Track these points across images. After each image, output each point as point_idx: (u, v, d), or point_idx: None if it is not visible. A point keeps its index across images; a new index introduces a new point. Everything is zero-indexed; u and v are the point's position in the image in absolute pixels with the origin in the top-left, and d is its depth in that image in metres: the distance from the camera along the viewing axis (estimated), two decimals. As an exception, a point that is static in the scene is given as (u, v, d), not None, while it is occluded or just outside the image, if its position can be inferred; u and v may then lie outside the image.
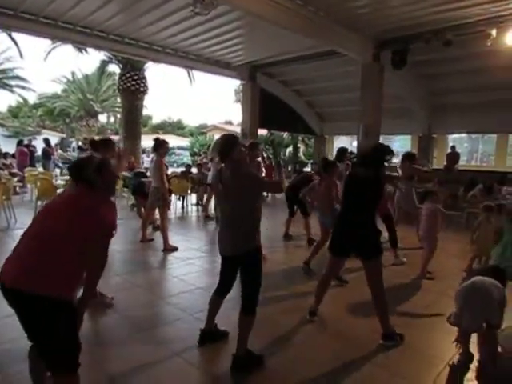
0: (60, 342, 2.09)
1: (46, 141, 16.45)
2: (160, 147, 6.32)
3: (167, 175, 6.86)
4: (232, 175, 2.99)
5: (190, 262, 5.84)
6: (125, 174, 12.33)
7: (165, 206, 6.47)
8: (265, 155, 18.58)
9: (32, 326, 2.12)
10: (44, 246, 2.13)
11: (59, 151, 22.39)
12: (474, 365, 3.06)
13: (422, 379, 2.97)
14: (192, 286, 4.79)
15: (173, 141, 23.34)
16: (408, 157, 6.42)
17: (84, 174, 2.38)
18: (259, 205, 3.07)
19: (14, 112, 38.68)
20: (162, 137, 7.02)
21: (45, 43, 19.71)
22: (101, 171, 2.40)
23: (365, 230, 3.52)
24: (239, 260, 3.05)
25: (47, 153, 15.92)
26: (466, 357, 3.09)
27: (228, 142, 3.06)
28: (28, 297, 2.03)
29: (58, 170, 16.82)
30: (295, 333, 3.65)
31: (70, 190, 2.61)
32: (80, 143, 25.60)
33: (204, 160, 14.21)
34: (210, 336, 3.34)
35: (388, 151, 3.67)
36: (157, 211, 6.90)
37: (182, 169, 12.40)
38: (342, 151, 6.86)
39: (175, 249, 6.41)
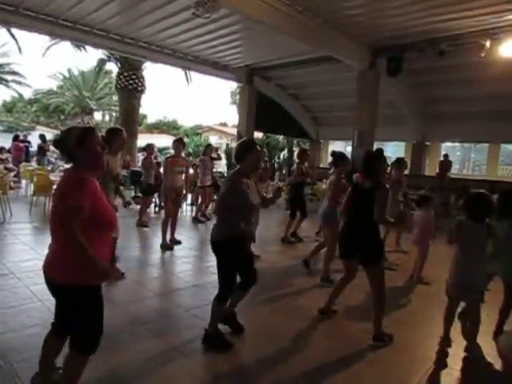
0: (87, 324, 2.21)
1: (42, 137, 16.36)
2: (173, 145, 6.70)
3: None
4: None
5: (185, 261, 5.94)
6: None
7: (166, 203, 6.57)
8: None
9: (64, 309, 2.26)
10: (53, 236, 2.24)
11: (52, 147, 22.32)
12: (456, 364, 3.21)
13: (409, 377, 3.08)
14: (188, 284, 4.88)
15: (168, 140, 23.36)
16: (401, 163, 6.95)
17: (66, 149, 2.18)
18: (233, 204, 3.15)
19: (8, 107, 38.43)
20: (156, 136, 7.22)
21: (43, 39, 19.61)
22: (83, 144, 2.14)
23: (366, 237, 3.60)
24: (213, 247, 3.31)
25: (43, 149, 15.88)
26: (445, 342, 3.34)
27: (242, 147, 3.33)
28: (57, 285, 2.18)
29: (50, 166, 16.76)
30: (287, 330, 3.73)
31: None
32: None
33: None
34: (228, 322, 3.50)
35: (379, 160, 3.69)
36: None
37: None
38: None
39: (171, 248, 6.50)
